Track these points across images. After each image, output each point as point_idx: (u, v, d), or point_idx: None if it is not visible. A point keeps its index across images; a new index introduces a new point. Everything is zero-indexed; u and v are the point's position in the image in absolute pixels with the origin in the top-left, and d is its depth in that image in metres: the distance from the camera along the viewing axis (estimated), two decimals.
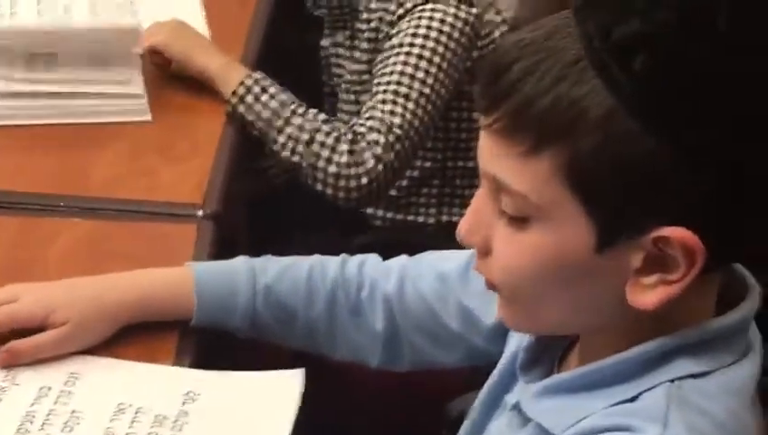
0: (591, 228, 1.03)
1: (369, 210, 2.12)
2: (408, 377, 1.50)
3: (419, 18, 1.96)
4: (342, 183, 1.86)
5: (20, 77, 1.83)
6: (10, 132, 1.81)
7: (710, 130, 0.99)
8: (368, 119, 1.90)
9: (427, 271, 1.42)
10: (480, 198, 1.10)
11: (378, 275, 1.45)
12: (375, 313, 1.43)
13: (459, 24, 1.96)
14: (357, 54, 2.07)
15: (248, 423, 1.34)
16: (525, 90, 1.02)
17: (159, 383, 1.37)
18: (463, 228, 1.10)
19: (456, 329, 1.39)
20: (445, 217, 2.10)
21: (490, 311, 1.30)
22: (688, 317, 1.06)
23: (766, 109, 1.00)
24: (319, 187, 1.87)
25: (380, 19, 2.02)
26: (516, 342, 1.23)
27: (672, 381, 1.05)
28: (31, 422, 1.29)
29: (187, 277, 1.44)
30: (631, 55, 0.99)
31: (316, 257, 1.48)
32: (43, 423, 1.29)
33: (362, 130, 1.89)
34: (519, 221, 1.05)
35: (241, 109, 1.90)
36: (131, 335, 1.42)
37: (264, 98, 1.91)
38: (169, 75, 1.96)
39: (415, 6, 1.96)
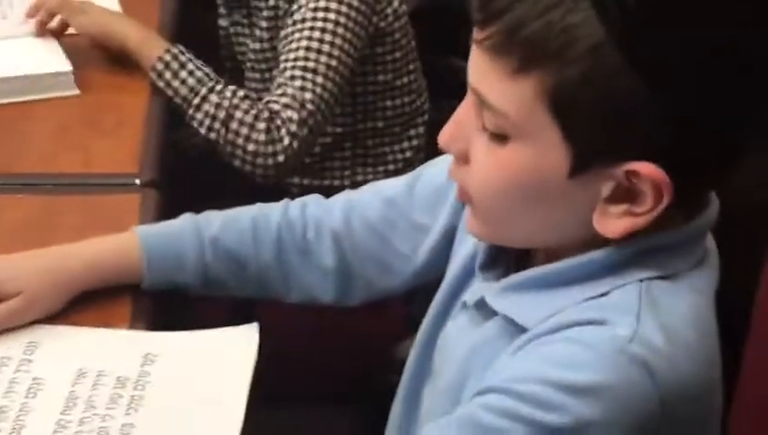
0: (567, 153, 1.05)
1: (286, 179, 2.12)
2: (343, 324, 1.55)
3: None
4: (260, 160, 1.89)
5: None
6: None
7: (688, 74, 1.01)
8: (281, 96, 1.92)
9: (372, 199, 1.44)
10: (463, 110, 1.12)
11: (322, 212, 1.46)
12: (323, 250, 1.44)
13: None
14: (257, 33, 2.10)
15: (209, 379, 1.34)
16: (520, 10, 1.02)
17: (118, 347, 1.37)
18: (444, 135, 1.13)
19: (406, 251, 1.41)
20: (359, 177, 2.14)
21: (439, 216, 1.35)
22: (652, 228, 1.08)
23: (739, 62, 1.03)
24: (237, 163, 1.90)
25: None
26: (470, 245, 1.26)
27: (641, 281, 1.08)
28: None
29: (134, 240, 1.44)
30: None
31: (258, 206, 1.49)
32: (7, 391, 1.30)
33: (277, 107, 1.90)
34: (498, 137, 1.07)
35: (160, 84, 1.92)
36: (87, 302, 1.42)
37: (183, 74, 1.92)
38: (90, 51, 1.96)
39: None
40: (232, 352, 1.38)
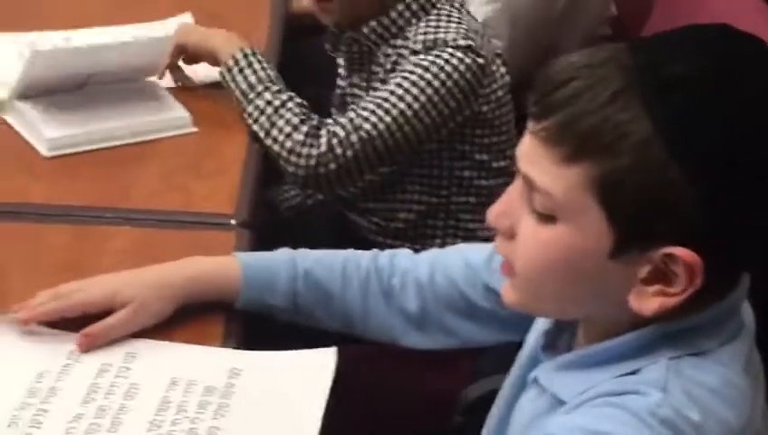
0: (610, 236, 1.11)
1: (379, 239, 2.16)
2: (416, 362, 1.57)
3: (425, 55, 1.99)
4: (294, 159, 1.93)
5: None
6: (65, 157, 1.89)
7: (726, 168, 1.07)
8: (343, 116, 1.96)
9: (456, 260, 1.51)
10: (513, 191, 1.18)
11: (409, 263, 1.53)
12: (407, 296, 1.51)
13: (462, 68, 1.98)
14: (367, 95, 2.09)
15: (287, 395, 1.39)
16: (577, 106, 1.09)
17: (208, 361, 1.43)
18: (493, 213, 1.19)
19: (487, 306, 1.47)
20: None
21: None
22: (685, 307, 1.12)
23: None
24: (275, 157, 1.95)
25: (394, 62, 2.06)
26: (540, 326, 1.30)
27: (671, 358, 1.12)
28: (95, 392, 1.36)
29: (233, 262, 1.51)
30: (673, 91, 1.08)
31: (351, 250, 1.56)
32: (107, 393, 1.36)
33: (331, 121, 1.95)
34: (546, 218, 1.13)
35: (227, 78, 1.99)
36: (183, 320, 1.48)
37: (247, 71, 1.98)
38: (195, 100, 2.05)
39: (425, 49, 2.00)
40: (310, 372, 1.43)
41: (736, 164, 1.08)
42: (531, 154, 1.14)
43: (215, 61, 2.06)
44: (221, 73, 2.02)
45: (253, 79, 1.98)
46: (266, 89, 1.97)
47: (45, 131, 1.91)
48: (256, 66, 1.99)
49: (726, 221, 1.09)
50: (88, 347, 1.43)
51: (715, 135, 1.07)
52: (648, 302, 1.12)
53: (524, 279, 1.19)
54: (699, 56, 1.11)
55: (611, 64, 1.11)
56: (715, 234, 1.09)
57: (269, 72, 2.00)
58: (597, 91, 1.09)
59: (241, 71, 1.99)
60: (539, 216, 1.14)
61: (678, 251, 1.09)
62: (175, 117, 1.99)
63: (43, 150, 1.89)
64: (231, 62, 2.00)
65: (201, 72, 2.15)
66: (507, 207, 1.18)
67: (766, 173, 1.10)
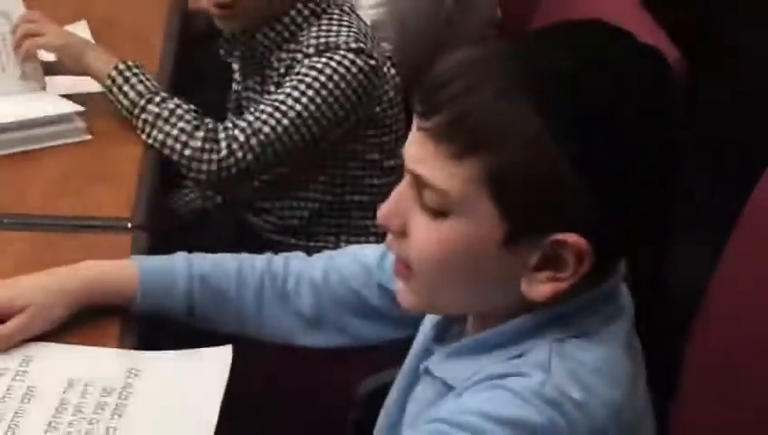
0: (501, 227, 1.12)
1: (275, 237, 2.18)
2: (312, 359, 1.58)
3: (318, 58, 2.01)
4: (195, 165, 1.95)
5: None
6: None
7: (612, 162, 1.10)
8: (241, 119, 1.98)
9: (349, 261, 1.52)
10: (402, 190, 1.19)
11: (304, 266, 1.54)
12: (302, 298, 1.52)
13: (354, 70, 2.02)
14: (266, 96, 2.10)
15: (185, 393, 1.40)
16: (466, 103, 1.10)
17: (105, 362, 1.43)
18: (383, 213, 1.20)
19: (381, 305, 1.48)
20: (342, 244, 2.12)
21: None
22: (570, 292, 1.15)
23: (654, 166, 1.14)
24: (175, 162, 1.96)
25: (288, 66, 2.08)
26: (431, 319, 1.32)
27: (555, 341, 1.15)
28: None
29: (132, 265, 1.52)
30: (562, 84, 1.10)
31: (246, 254, 1.56)
32: (3, 397, 1.36)
33: (229, 124, 1.97)
34: (438, 213, 1.14)
35: (111, 97, 1.98)
36: (80, 322, 1.48)
37: (126, 88, 1.97)
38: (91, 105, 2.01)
39: (317, 52, 2.03)
40: (207, 369, 1.43)
41: (620, 155, 1.11)
42: (420, 152, 1.15)
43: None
44: (105, 88, 2.00)
45: (133, 94, 1.98)
46: (149, 101, 1.98)
47: None
48: (134, 81, 1.99)
49: (611, 209, 1.12)
50: None
51: (599, 127, 1.10)
52: (539, 287, 1.15)
53: (421, 276, 1.20)
54: (578, 51, 1.14)
55: (495, 62, 1.13)
56: (600, 221, 1.12)
57: (148, 83, 2.00)
58: (483, 88, 1.10)
59: (120, 88, 1.99)
60: (431, 212, 1.15)
61: (567, 237, 1.12)
62: (70, 127, 1.97)
63: None
64: (108, 82, 1.99)
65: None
66: (397, 206, 1.19)
67: (648, 163, 1.13)
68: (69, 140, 1.94)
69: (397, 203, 1.19)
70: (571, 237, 1.12)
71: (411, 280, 1.21)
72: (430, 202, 1.15)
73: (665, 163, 1.16)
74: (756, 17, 3.11)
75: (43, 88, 2.06)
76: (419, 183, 1.15)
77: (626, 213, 1.15)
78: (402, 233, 1.19)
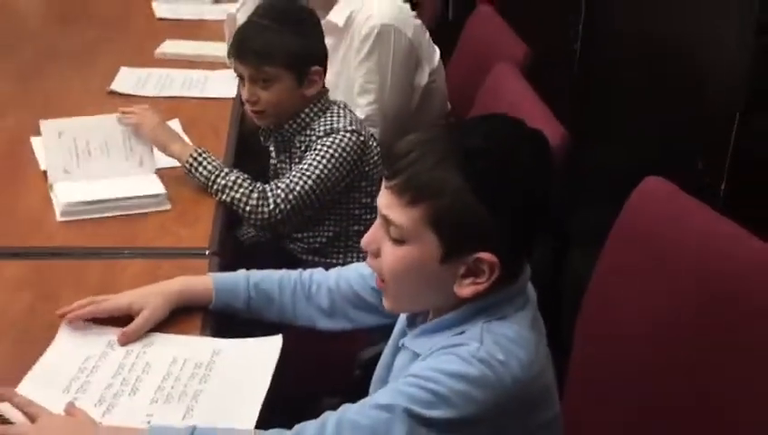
0: (440, 250, 1.14)
1: (303, 256, 2.15)
2: (329, 337, 1.54)
3: (326, 138, 2.01)
4: (253, 216, 1.93)
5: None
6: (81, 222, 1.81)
7: (512, 205, 1.13)
8: (281, 182, 1.97)
9: (353, 272, 1.50)
10: (377, 226, 1.20)
11: (322, 277, 1.52)
12: (321, 298, 1.50)
13: (351, 144, 2.00)
14: (292, 167, 2.08)
15: (249, 367, 1.38)
16: (414, 168, 1.12)
17: (196, 346, 1.43)
18: (365, 240, 1.21)
19: (372, 302, 1.45)
20: (350, 260, 2.11)
21: None
22: (491, 289, 1.17)
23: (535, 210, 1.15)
24: (239, 213, 1.94)
25: (306, 145, 2.04)
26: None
27: (484, 322, 1.17)
28: (122, 369, 1.37)
29: (209, 279, 1.51)
30: (476, 157, 1.11)
31: (284, 270, 1.54)
32: (129, 370, 1.37)
33: (273, 186, 1.96)
34: (399, 241, 1.16)
35: (189, 175, 1.95)
36: (174, 319, 1.47)
37: (200, 168, 1.94)
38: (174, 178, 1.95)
39: (326, 135, 2.01)
40: (264, 351, 1.42)
41: (517, 201, 1.13)
42: (387, 201, 1.15)
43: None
44: (184, 170, 1.97)
45: (205, 172, 1.96)
46: (217, 176, 1.95)
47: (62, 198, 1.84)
48: (205, 163, 1.97)
49: (512, 235, 1.14)
50: (125, 343, 1.42)
51: (504, 183, 1.12)
52: (464, 289, 1.16)
53: (391, 285, 1.20)
54: (491, 134, 1.15)
55: (435, 140, 1.14)
56: (505, 243, 1.14)
57: (214, 163, 1.97)
58: (426, 159, 1.11)
59: (196, 169, 1.97)
60: (394, 241, 1.16)
61: (483, 255, 1.13)
62: (159, 200, 1.90)
63: (58, 215, 1.82)
64: (188, 165, 1.97)
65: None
66: (373, 236, 1.20)
67: (532, 205, 1.15)
68: (154, 209, 1.87)
69: (373, 234, 1.20)
70: (486, 255, 1.13)
71: (386, 290, 1.22)
72: (394, 234, 1.15)
73: (542, 205, 1.17)
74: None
75: (154, 172, 2.00)
76: (387, 222, 1.16)
77: (523, 238, 1.16)
78: (377, 254, 1.19)
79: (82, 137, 1.96)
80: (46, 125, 1.94)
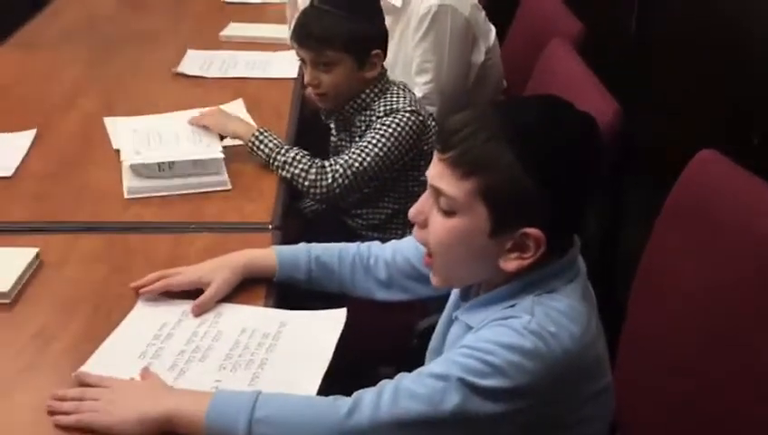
0: (489, 223, 1.14)
1: (363, 232, 2.17)
2: (386, 308, 1.56)
3: (386, 118, 2.02)
4: (312, 190, 1.95)
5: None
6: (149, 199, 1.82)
7: (560, 180, 1.11)
8: (341, 157, 1.99)
9: (409, 246, 1.50)
10: (425, 197, 1.19)
11: (379, 250, 1.53)
12: (379, 270, 1.51)
13: (410, 123, 2.00)
14: (352, 145, 2.09)
15: (313, 338, 1.39)
16: (468, 143, 1.12)
17: (263, 316, 1.44)
18: (413, 211, 1.21)
19: (428, 273, 1.41)
20: (405, 235, 1.99)
21: None
22: (538, 263, 1.16)
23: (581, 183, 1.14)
24: (299, 187, 1.96)
25: (367, 125, 2.05)
26: None
27: (534, 295, 1.16)
28: (195, 337, 1.39)
29: (272, 252, 1.53)
30: (527, 135, 1.11)
31: (343, 243, 1.56)
32: (202, 338, 1.38)
33: (332, 162, 1.97)
34: (449, 213, 1.15)
35: (252, 152, 1.97)
36: (241, 290, 1.49)
37: (262, 146, 1.96)
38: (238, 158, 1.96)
39: (386, 114, 2.01)
40: (328, 323, 1.42)
41: (564, 175, 1.12)
42: (438, 172, 1.15)
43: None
44: (247, 149, 2.00)
45: (266, 150, 1.98)
46: (278, 153, 1.97)
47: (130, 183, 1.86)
48: (266, 141, 1.99)
49: (561, 210, 1.13)
50: (199, 313, 1.44)
51: (551, 159, 1.11)
52: (509, 264, 1.15)
53: (438, 258, 1.19)
54: (541, 113, 1.15)
55: (488, 117, 1.13)
56: (553, 220, 1.13)
57: (275, 141, 1.99)
58: (479, 134, 1.12)
59: (258, 147, 1.99)
60: (444, 212, 1.15)
61: (530, 231, 1.13)
62: (221, 179, 1.90)
63: (125, 193, 1.84)
64: (250, 143, 2.00)
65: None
66: (422, 207, 1.19)
67: (581, 180, 1.14)
68: (217, 188, 1.87)
69: (422, 205, 1.19)
70: (533, 231, 1.13)
71: (433, 266, 1.21)
72: (444, 205, 1.15)
73: (590, 183, 1.17)
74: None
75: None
76: (438, 193, 1.15)
77: (568, 213, 1.16)
78: (424, 225, 1.19)
79: (155, 130, 2.01)
80: (120, 122, 2.04)
